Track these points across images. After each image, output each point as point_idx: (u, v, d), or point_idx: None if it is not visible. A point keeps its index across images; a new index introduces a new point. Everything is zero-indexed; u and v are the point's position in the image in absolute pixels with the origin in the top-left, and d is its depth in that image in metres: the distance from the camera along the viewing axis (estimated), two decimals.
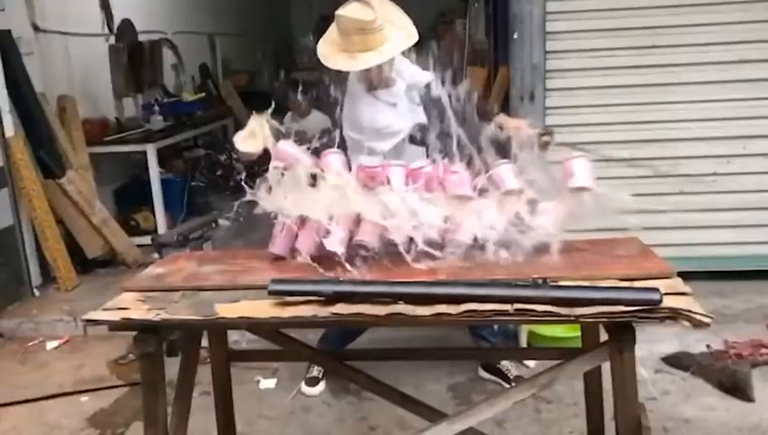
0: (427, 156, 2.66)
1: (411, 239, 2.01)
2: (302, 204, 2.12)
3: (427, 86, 2.71)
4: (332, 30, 2.60)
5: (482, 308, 1.74)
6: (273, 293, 1.83)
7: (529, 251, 2.02)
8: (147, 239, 5.35)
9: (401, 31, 2.60)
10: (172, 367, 2.15)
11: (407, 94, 2.83)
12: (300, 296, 1.83)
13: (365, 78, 2.77)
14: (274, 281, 1.86)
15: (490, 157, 2.24)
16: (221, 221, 6.11)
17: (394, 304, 1.78)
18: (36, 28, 5.02)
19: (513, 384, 3.15)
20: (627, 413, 1.89)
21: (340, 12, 2.51)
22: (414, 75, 2.81)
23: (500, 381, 3.29)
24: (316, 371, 3.36)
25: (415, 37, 2.61)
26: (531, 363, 3.37)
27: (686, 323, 1.71)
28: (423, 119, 2.81)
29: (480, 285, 1.81)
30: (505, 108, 4.29)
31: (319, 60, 2.62)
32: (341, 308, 1.79)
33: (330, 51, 2.58)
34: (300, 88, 7.68)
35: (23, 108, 4.64)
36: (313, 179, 2.15)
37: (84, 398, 3.46)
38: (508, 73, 4.19)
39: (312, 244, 2.12)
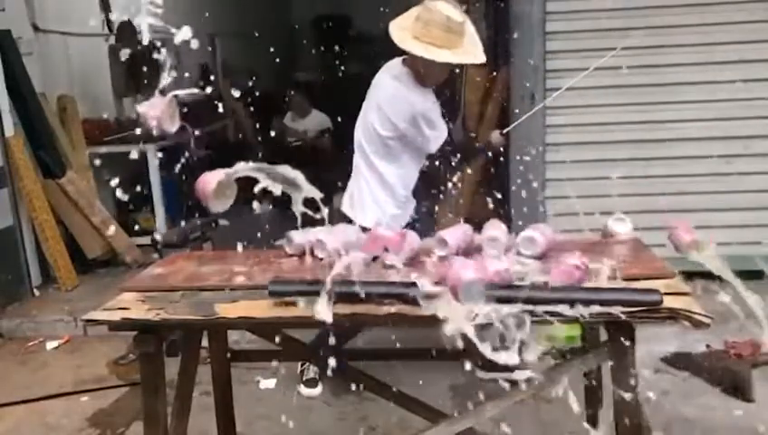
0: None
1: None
2: None
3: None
4: (407, 16, 2.74)
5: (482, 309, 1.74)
6: (273, 294, 1.83)
7: None
8: (147, 239, 5.35)
9: (475, 44, 2.77)
10: (172, 367, 2.14)
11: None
12: (300, 297, 1.83)
13: (427, 73, 2.84)
14: (274, 282, 1.86)
15: None
16: (221, 221, 6.12)
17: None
18: (36, 28, 5.02)
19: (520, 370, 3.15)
20: (627, 413, 1.89)
21: (430, 3, 2.65)
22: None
23: (503, 375, 3.27)
24: (313, 372, 3.35)
25: (483, 57, 2.79)
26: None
27: (686, 324, 1.71)
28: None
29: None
30: (505, 109, 4.30)
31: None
32: (342, 308, 1.79)
33: (402, 35, 2.72)
34: (299, 88, 7.71)
35: (23, 108, 4.64)
36: None
37: (84, 398, 3.45)
38: (508, 74, 4.19)
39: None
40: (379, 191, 3.01)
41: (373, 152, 2.98)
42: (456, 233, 2.18)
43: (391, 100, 2.90)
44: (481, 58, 2.77)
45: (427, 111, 2.86)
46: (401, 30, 2.73)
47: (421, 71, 2.84)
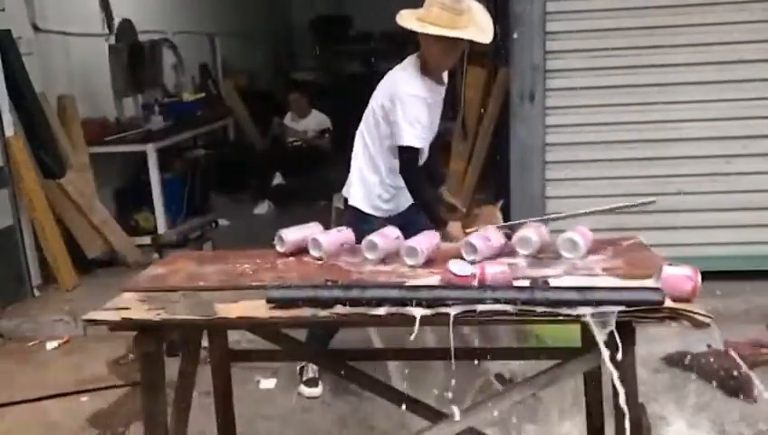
0: None
1: None
2: None
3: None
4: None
5: (482, 309, 1.74)
6: (271, 301, 1.83)
7: None
8: (147, 239, 5.35)
9: (478, 24, 2.71)
10: (172, 367, 2.14)
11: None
12: (299, 303, 1.83)
13: (429, 56, 2.80)
14: (273, 288, 1.86)
15: None
16: (221, 221, 6.13)
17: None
18: (36, 28, 5.02)
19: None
20: (627, 413, 1.88)
21: None
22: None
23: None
24: (311, 371, 3.35)
25: (488, 37, 2.72)
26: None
27: (687, 324, 1.71)
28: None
29: (480, 287, 1.82)
30: (505, 109, 4.30)
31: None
32: (341, 308, 1.79)
33: (407, 16, 2.74)
34: (299, 88, 7.72)
35: (23, 108, 4.64)
36: None
37: (84, 398, 3.45)
38: (508, 74, 4.19)
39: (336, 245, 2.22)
40: (368, 172, 3.00)
41: (367, 131, 2.98)
42: (485, 236, 2.16)
43: (388, 78, 2.92)
44: (479, 37, 2.71)
45: (406, 96, 2.79)
46: (408, 13, 2.75)
47: (425, 56, 2.82)
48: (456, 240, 2.61)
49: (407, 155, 2.83)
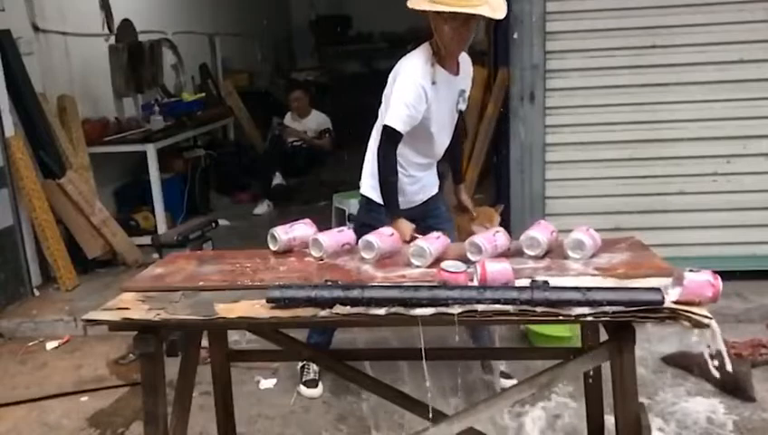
0: None
1: None
2: None
3: None
4: None
5: (483, 309, 1.74)
6: (271, 301, 1.83)
7: None
8: (147, 239, 5.35)
9: (489, 6, 2.58)
10: (172, 367, 2.15)
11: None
12: (299, 303, 1.83)
13: (439, 36, 2.68)
14: (273, 288, 1.86)
15: None
16: (221, 221, 6.12)
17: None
18: (36, 28, 5.02)
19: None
20: (627, 413, 1.89)
21: None
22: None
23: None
24: (312, 372, 3.35)
25: (500, 14, 2.60)
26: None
27: (686, 324, 1.71)
28: None
29: (480, 287, 1.82)
30: (505, 109, 4.30)
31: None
32: (341, 308, 1.79)
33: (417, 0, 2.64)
34: (300, 88, 7.71)
35: (23, 108, 4.64)
36: None
37: (84, 398, 3.45)
38: (508, 74, 4.19)
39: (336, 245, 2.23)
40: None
41: (379, 121, 2.86)
42: (490, 237, 2.15)
43: (398, 64, 2.81)
44: (491, 14, 2.56)
45: (404, 77, 2.70)
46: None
47: (436, 41, 2.69)
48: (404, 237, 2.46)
49: (385, 133, 2.73)
